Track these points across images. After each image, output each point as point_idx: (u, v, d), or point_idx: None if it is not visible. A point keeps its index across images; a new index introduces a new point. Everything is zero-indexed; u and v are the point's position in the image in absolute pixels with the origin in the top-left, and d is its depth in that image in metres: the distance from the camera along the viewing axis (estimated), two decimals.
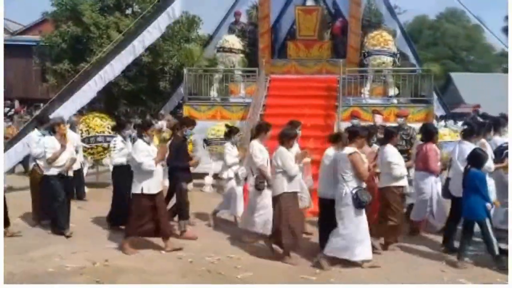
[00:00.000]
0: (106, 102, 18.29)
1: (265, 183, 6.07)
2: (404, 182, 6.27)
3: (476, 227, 5.71)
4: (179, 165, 6.81)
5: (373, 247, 5.74)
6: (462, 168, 5.94)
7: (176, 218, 6.94)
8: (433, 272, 5.51)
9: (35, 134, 7.60)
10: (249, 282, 5.12)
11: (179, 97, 14.80)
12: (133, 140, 7.25)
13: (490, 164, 6.08)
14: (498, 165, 6.45)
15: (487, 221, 5.58)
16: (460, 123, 14.07)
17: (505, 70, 28.31)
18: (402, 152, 6.94)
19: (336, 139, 5.99)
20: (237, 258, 5.83)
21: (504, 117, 8.38)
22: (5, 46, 10.87)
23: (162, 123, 11.83)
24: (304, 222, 6.18)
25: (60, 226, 6.76)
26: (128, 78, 17.45)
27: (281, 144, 5.77)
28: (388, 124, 8.86)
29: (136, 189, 6.03)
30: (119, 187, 7.08)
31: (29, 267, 5.43)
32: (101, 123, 10.22)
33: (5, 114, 18.04)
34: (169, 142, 7.16)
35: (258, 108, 10.95)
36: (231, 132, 7.53)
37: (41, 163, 7.08)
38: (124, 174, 6.98)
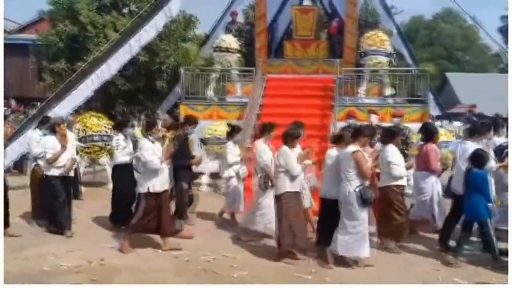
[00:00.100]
0: (102, 101, 18.25)
1: (270, 183, 6.10)
2: (403, 182, 6.30)
3: (474, 227, 5.73)
4: (181, 163, 6.81)
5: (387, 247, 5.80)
6: (464, 167, 5.97)
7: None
8: (427, 271, 5.53)
9: (36, 133, 7.59)
10: (245, 281, 5.14)
11: (176, 97, 14.81)
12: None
13: (492, 163, 6.11)
14: (498, 164, 6.47)
15: (489, 221, 5.61)
16: (456, 123, 14.17)
17: (501, 70, 28.45)
18: None
19: (338, 140, 6.03)
20: (233, 257, 5.84)
21: (499, 118, 8.43)
22: (3, 45, 10.84)
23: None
24: (307, 222, 6.13)
25: (61, 226, 6.74)
26: (125, 77, 17.42)
27: (285, 143, 5.78)
28: (384, 124, 8.89)
29: (142, 188, 6.05)
30: (120, 186, 7.07)
31: (24, 266, 5.43)
32: (98, 123, 10.22)
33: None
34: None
35: (254, 108, 10.97)
36: (233, 131, 7.54)
37: (41, 163, 7.05)
38: (125, 173, 7.01)
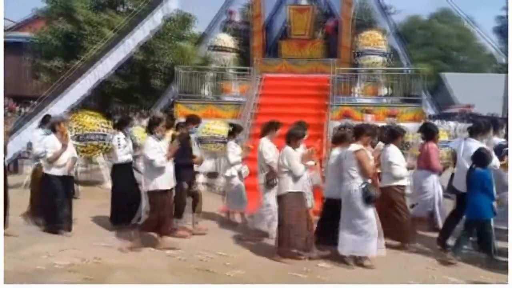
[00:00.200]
0: (98, 100, 18.21)
1: (275, 180, 6.11)
2: (404, 182, 6.32)
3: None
4: (182, 162, 6.82)
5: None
6: (467, 165, 5.99)
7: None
8: (422, 270, 5.55)
9: (38, 133, 7.56)
10: (240, 280, 5.15)
11: (172, 95, 14.80)
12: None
13: (495, 162, 6.12)
14: (498, 163, 6.50)
15: (491, 221, 5.63)
16: (450, 122, 14.24)
17: (497, 70, 28.58)
18: None
19: (341, 139, 6.05)
20: (228, 256, 5.85)
21: (494, 117, 8.49)
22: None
23: (146, 122, 11.82)
24: (308, 222, 6.13)
25: (59, 226, 6.70)
26: (121, 76, 17.37)
27: (288, 144, 5.78)
28: (380, 124, 8.94)
29: (148, 186, 6.06)
30: (119, 185, 7.04)
31: (19, 265, 5.41)
32: (93, 121, 10.17)
33: None
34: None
35: (250, 107, 10.98)
36: (234, 131, 7.53)
37: (43, 162, 6.99)
38: (125, 172, 7.01)
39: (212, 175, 10.49)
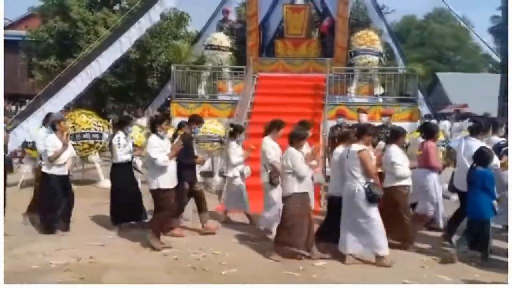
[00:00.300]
0: (93, 98, 18.18)
1: (279, 178, 6.13)
2: (408, 182, 6.34)
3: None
4: (184, 162, 6.81)
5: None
6: (468, 164, 6.02)
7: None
8: (413, 268, 5.57)
9: (42, 131, 7.53)
10: (235, 278, 5.16)
11: (167, 94, 14.78)
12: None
13: (496, 161, 6.16)
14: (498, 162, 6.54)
15: (490, 220, 5.66)
16: (444, 122, 14.29)
17: (491, 70, 28.70)
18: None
19: (344, 138, 6.07)
20: (222, 255, 5.87)
21: (488, 117, 8.53)
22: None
23: (141, 121, 11.83)
24: (311, 222, 6.11)
25: (57, 226, 6.68)
26: (116, 74, 17.36)
27: (291, 144, 5.79)
28: (375, 123, 8.95)
29: (152, 185, 6.07)
30: (119, 184, 7.01)
31: (14, 264, 5.40)
32: (87, 120, 10.16)
33: None
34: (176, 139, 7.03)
35: (245, 106, 10.99)
36: (235, 131, 7.51)
37: (43, 161, 6.91)
38: (125, 172, 7.00)
39: (207, 174, 10.49)
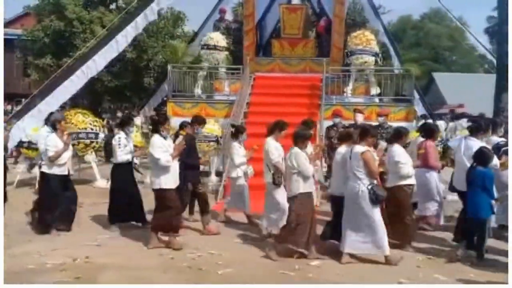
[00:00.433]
0: (89, 98, 18.15)
1: (282, 179, 6.15)
2: (412, 181, 6.34)
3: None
4: (189, 162, 6.81)
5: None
6: (468, 164, 6.03)
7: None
8: (409, 268, 5.58)
9: (44, 130, 7.50)
10: (231, 278, 5.17)
11: (164, 94, 14.76)
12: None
13: (496, 161, 6.18)
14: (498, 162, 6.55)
15: (488, 220, 5.67)
16: (441, 122, 14.33)
17: (487, 71, 28.81)
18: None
19: (346, 138, 6.09)
20: (218, 254, 5.87)
21: (488, 117, 8.54)
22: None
23: (136, 120, 11.80)
24: (313, 222, 6.07)
25: (55, 226, 6.66)
26: (112, 73, 17.34)
27: (295, 144, 5.80)
28: (371, 123, 8.98)
29: (154, 185, 6.07)
30: (119, 184, 7.00)
31: (9, 264, 5.38)
32: (83, 119, 10.12)
33: None
34: (179, 139, 7.03)
35: (242, 106, 10.99)
36: (237, 132, 7.50)
37: (44, 161, 6.88)
38: (125, 172, 6.99)
39: (203, 174, 10.47)
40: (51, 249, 5.92)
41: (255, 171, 7.38)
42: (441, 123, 14.19)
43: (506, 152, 6.66)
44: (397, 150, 6.35)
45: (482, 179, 5.67)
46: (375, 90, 11.81)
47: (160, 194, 6.06)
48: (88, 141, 10.00)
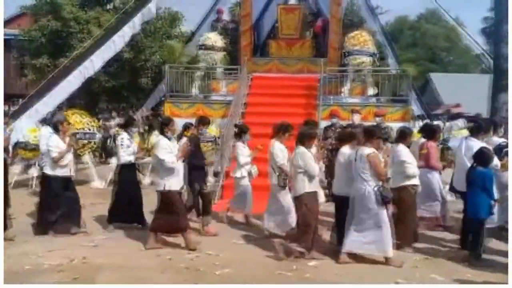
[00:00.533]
0: (86, 98, 18.11)
1: (287, 181, 6.15)
2: (417, 181, 6.34)
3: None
4: (195, 163, 6.80)
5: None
6: (468, 164, 6.04)
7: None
8: (406, 268, 5.59)
9: (47, 131, 7.47)
10: (227, 278, 5.17)
11: (161, 94, 14.75)
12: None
13: (496, 162, 6.19)
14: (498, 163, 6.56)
15: (487, 220, 5.69)
16: (438, 122, 14.36)
17: (483, 71, 28.90)
18: None
19: (349, 138, 6.10)
20: (216, 255, 5.87)
21: (488, 118, 8.56)
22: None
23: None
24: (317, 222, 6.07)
25: (54, 228, 6.62)
26: (109, 74, 17.30)
27: (301, 144, 5.80)
28: (368, 123, 9.00)
29: (159, 186, 6.07)
30: (122, 185, 6.98)
31: (7, 264, 5.36)
32: (80, 120, 10.10)
33: None
34: (183, 140, 6.97)
35: (239, 106, 11.00)
36: (241, 132, 7.50)
37: (46, 162, 6.82)
38: (128, 173, 6.97)
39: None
40: (48, 250, 5.91)
41: (259, 172, 7.39)
42: (438, 124, 14.23)
43: (508, 153, 6.68)
44: (403, 150, 6.35)
45: (482, 179, 5.68)
46: (372, 91, 11.84)
47: (164, 195, 6.05)
48: (85, 141, 9.99)
